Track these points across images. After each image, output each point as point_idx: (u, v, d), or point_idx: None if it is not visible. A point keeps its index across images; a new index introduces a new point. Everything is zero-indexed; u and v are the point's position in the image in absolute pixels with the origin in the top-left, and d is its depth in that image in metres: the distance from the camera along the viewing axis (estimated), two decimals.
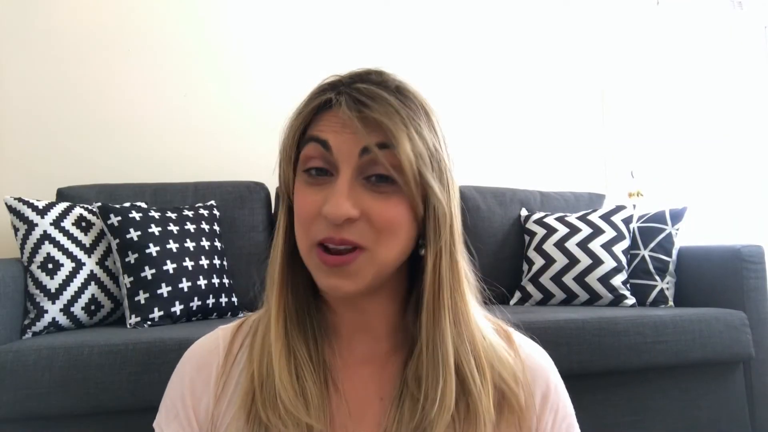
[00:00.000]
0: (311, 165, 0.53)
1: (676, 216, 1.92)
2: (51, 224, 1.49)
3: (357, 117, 0.50)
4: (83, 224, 1.55)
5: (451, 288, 0.54)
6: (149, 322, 1.46)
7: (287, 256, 0.57)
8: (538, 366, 0.60)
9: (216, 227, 1.74)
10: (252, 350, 0.57)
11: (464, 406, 0.54)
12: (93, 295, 1.49)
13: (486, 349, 0.56)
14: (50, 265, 1.44)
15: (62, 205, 1.56)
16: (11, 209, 1.49)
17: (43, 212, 1.50)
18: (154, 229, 1.55)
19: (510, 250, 2.05)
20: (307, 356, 0.55)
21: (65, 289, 1.44)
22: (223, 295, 1.63)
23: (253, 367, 0.55)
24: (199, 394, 0.58)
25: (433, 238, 0.53)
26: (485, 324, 0.59)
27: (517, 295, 1.95)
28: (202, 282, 1.57)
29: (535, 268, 1.93)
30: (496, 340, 0.58)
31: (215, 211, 1.78)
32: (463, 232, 0.58)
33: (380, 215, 0.51)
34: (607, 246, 1.88)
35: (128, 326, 1.45)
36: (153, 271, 1.49)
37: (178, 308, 1.50)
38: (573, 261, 1.87)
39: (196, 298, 1.55)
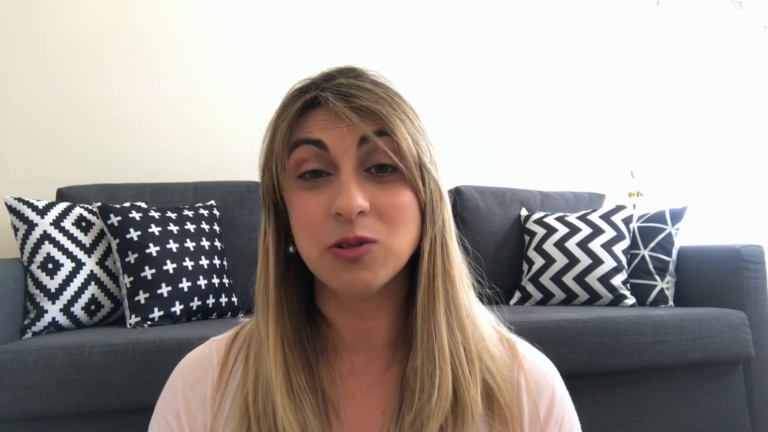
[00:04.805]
0: (305, 169, 0.51)
1: (676, 216, 1.91)
2: (51, 224, 1.49)
3: (348, 108, 0.50)
4: (83, 224, 1.55)
5: (444, 273, 0.53)
6: (149, 322, 1.46)
7: (280, 278, 0.55)
8: (542, 377, 0.58)
9: (216, 227, 1.74)
10: (247, 366, 0.55)
11: (452, 396, 0.52)
12: (93, 295, 1.49)
13: (476, 341, 0.55)
14: (50, 265, 1.44)
15: (62, 205, 1.56)
16: (11, 209, 1.49)
17: (43, 212, 1.50)
18: (154, 229, 1.55)
19: (510, 250, 2.05)
20: (305, 385, 0.53)
21: (65, 289, 1.44)
22: (223, 295, 1.63)
23: (248, 390, 0.53)
24: (194, 411, 0.56)
25: (430, 223, 0.53)
26: (481, 315, 0.58)
27: (517, 295, 1.95)
28: (202, 282, 1.57)
29: (535, 268, 1.93)
30: (488, 333, 0.57)
31: (215, 211, 1.78)
32: (454, 221, 0.58)
33: (389, 204, 0.50)
34: (607, 246, 1.88)
35: (128, 326, 1.45)
36: (153, 271, 1.49)
37: (178, 308, 1.50)
38: (573, 261, 1.87)
39: (196, 298, 1.55)
